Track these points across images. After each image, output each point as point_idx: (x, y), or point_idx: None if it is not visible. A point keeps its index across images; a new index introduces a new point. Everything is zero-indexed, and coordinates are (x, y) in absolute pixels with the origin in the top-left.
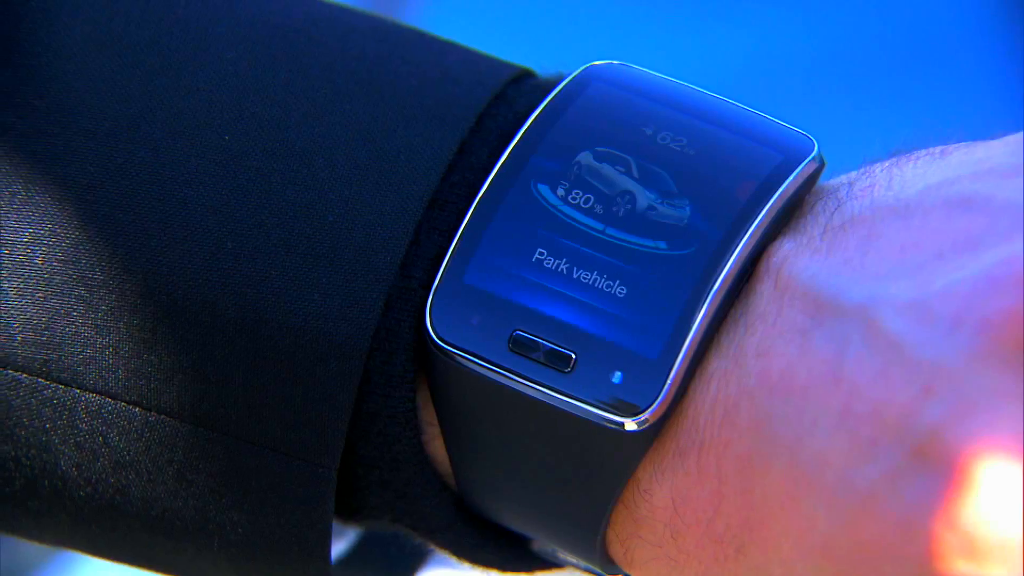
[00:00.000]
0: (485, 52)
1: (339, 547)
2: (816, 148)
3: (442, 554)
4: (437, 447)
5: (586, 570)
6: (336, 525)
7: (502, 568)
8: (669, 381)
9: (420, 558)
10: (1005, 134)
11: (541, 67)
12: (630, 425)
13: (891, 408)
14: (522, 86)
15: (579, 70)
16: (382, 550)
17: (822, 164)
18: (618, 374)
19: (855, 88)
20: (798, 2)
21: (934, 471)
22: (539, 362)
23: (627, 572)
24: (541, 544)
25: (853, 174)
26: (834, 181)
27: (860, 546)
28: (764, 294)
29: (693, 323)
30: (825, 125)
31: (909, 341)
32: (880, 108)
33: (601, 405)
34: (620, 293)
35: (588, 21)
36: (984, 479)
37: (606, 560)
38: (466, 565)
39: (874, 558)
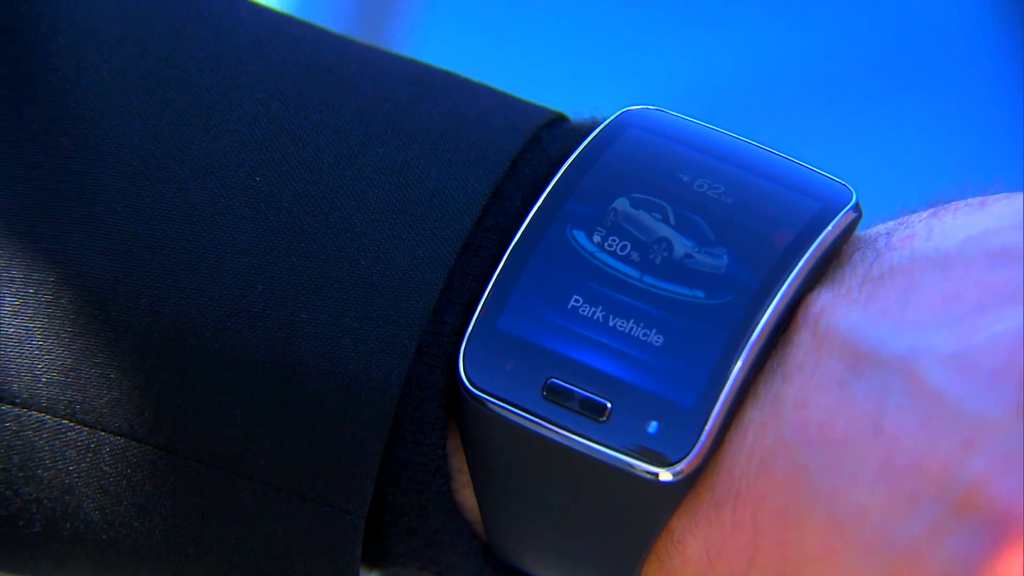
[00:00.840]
0: (519, 96)
1: None
2: (855, 198)
3: None
4: (467, 495)
5: None
6: (363, 573)
7: None
8: (706, 432)
9: None
10: (1005, 134)
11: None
12: (665, 476)
13: (933, 461)
14: (556, 130)
15: (614, 115)
16: None
17: (860, 214)
18: (654, 424)
19: (855, 89)
20: (800, 6)
21: (976, 526)
22: (573, 411)
23: None
24: None
25: (891, 224)
26: (872, 231)
27: None
28: (802, 345)
29: (730, 373)
30: (827, 128)
31: (951, 394)
32: (880, 110)
33: (636, 455)
34: (656, 342)
35: (581, 27)
36: None
37: None
38: None
39: None
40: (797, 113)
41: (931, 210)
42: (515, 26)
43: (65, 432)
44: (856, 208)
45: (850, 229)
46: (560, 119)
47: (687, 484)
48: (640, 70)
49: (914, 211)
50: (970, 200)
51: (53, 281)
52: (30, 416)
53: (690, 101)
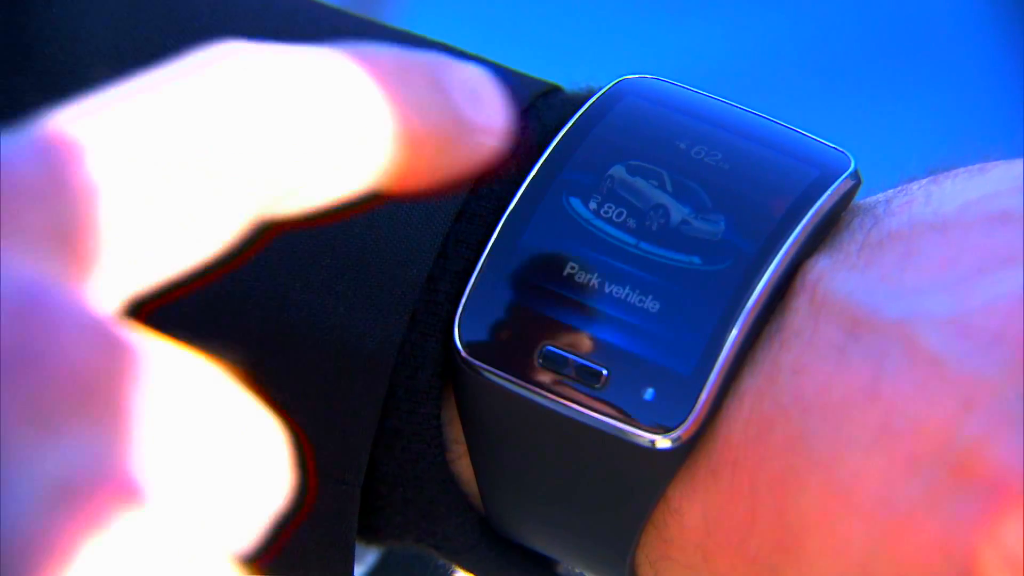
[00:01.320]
0: (513, 68)
1: (359, 569)
2: (853, 164)
3: None
4: (463, 466)
5: None
6: (358, 547)
7: None
8: (702, 398)
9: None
10: (1004, 134)
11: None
12: (662, 443)
13: (931, 424)
14: (551, 100)
15: (610, 84)
16: (404, 571)
17: (859, 181)
18: (650, 391)
19: (855, 86)
20: (800, 1)
21: (975, 487)
22: (569, 377)
23: None
24: (567, 568)
25: (890, 192)
26: (871, 199)
27: (899, 565)
28: (799, 311)
29: (727, 339)
30: (827, 122)
31: (949, 356)
32: (880, 106)
33: (632, 422)
34: (653, 308)
35: (574, 17)
36: None
37: None
38: None
39: None
40: (795, 101)
41: (930, 177)
42: (509, 7)
43: None
44: (854, 175)
45: (848, 196)
46: (556, 89)
47: (684, 451)
48: (638, 56)
49: (913, 178)
50: (969, 167)
51: None
52: None
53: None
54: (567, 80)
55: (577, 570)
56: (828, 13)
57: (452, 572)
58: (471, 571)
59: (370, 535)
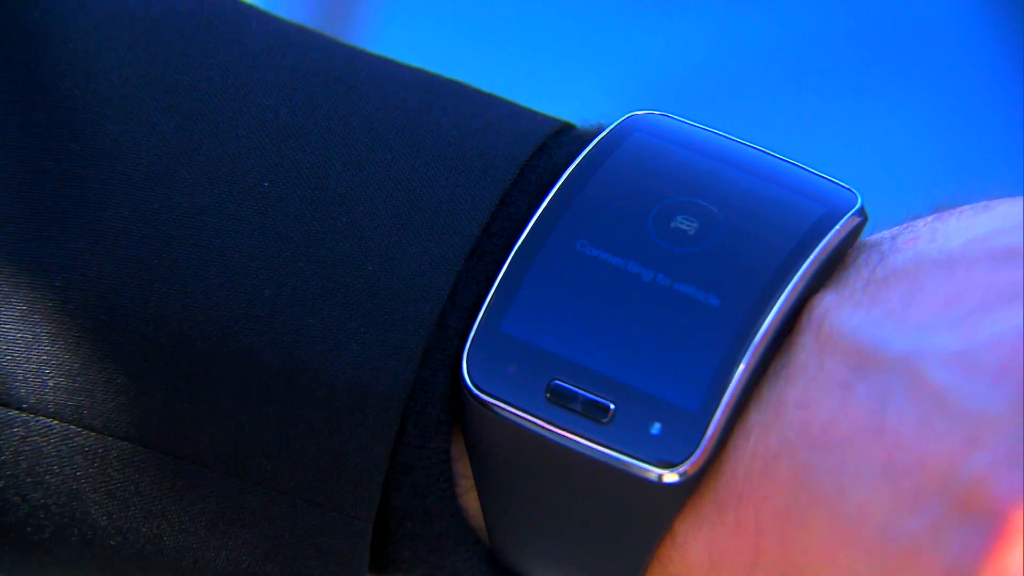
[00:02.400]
0: (527, 106)
1: None
2: (859, 202)
3: None
4: (470, 500)
5: None
6: None
7: None
8: (708, 433)
9: None
10: (1003, 135)
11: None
12: (668, 477)
13: (935, 459)
14: (563, 138)
15: (618, 121)
16: None
17: (865, 218)
18: (657, 425)
19: (855, 86)
20: (798, 2)
21: (979, 522)
22: (576, 412)
23: None
24: None
25: (896, 229)
26: (876, 236)
27: None
28: (805, 347)
29: (733, 375)
30: (825, 126)
31: (954, 392)
32: (880, 107)
33: (639, 457)
34: (659, 343)
35: (565, 20)
36: None
37: None
38: None
39: None
40: (793, 113)
41: (935, 214)
42: (498, 21)
43: (72, 437)
44: (861, 212)
45: (855, 233)
46: (568, 127)
47: (690, 486)
48: (631, 68)
49: (918, 216)
50: (974, 204)
51: (60, 286)
52: (37, 421)
53: (688, 106)
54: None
55: None
56: (829, 14)
57: None
58: None
59: (379, 568)
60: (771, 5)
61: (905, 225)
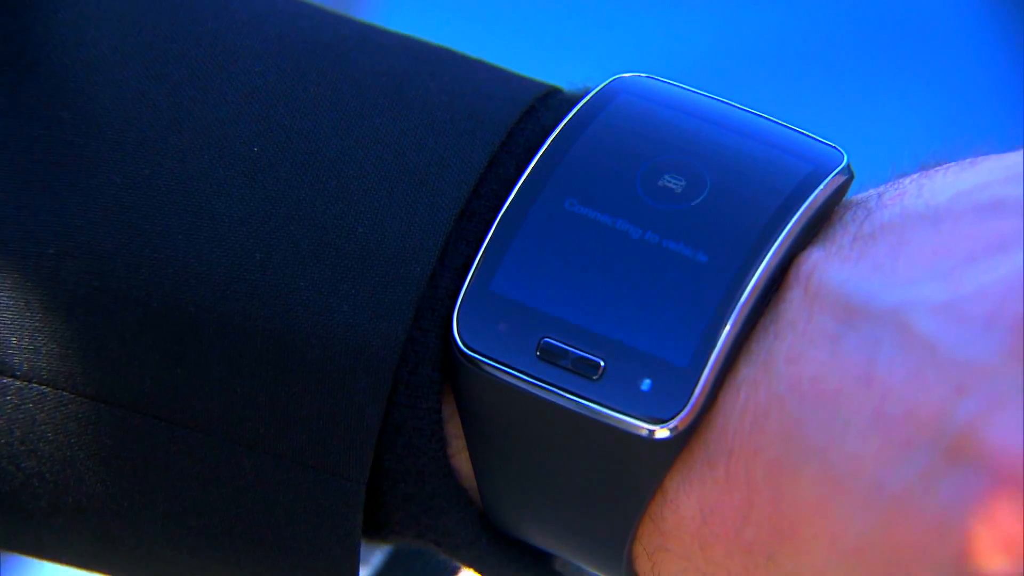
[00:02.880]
0: (515, 72)
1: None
2: (845, 159)
3: (467, 573)
4: (463, 461)
5: None
6: (363, 548)
7: None
8: (698, 389)
9: None
10: (1003, 134)
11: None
12: (658, 433)
13: (925, 408)
14: (550, 101)
15: (605, 82)
16: (407, 569)
17: (851, 176)
18: (647, 381)
19: (855, 85)
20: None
21: (969, 468)
22: (567, 369)
23: None
24: (565, 563)
25: (882, 187)
26: (864, 194)
27: (895, 548)
28: (794, 301)
29: (722, 330)
30: (828, 121)
31: (942, 342)
32: (880, 106)
33: (629, 413)
34: (649, 300)
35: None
36: (1018, 474)
37: None
38: None
39: (909, 560)
40: (795, 100)
41: (922, 171)
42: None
43: (66, 404)
44: (847, 170)
45: (841, 190)
46: (555, 91)
47: (680, 442)
48: (635, 53)
49: (905, 174)
50: (960, 161)
51: (53, 253)
52: (31, 388)
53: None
54: (562, 76)
55: (576, 564)
56: (828, 10)
57: (455, 568)
58: (471, 566)
59: (372, 531)
60: (776, 4)
61: (892, 183)
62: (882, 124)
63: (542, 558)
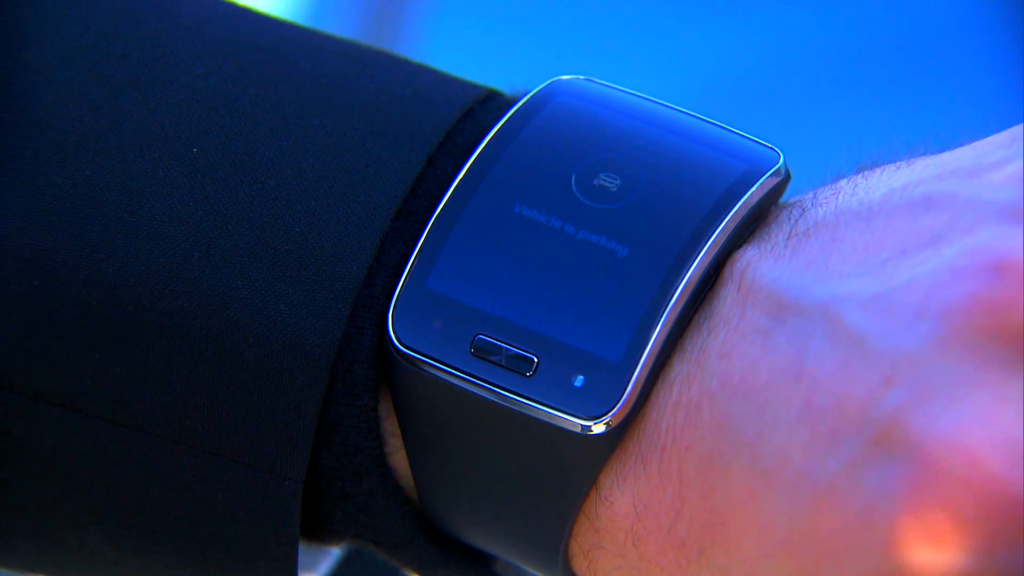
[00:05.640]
0: (455, 75)
1: None
2: (781, 160)
3: None
4: (400, 459)
5: None
6: (313, 550)
7: None
8: (631, 384)
9: None
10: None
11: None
12: (591, 428)
13: (852, 400)
14: (489, 104)
15: (543, 84)
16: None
17: (787, 176)
18: (580, 377)
19: (855, 85)
20: (795, 3)
21: (894, 458)
22: (501, 366)
23: None
24: (507, 565)
25: (819, 188)
26: (799, 196)
27: (821, 540)
28: (727, 299)
29: (655, 327)
30: (827, 123)
31: (871, 333)
32: (880, 106)
33: (562, 409)
34: (582, 297)
35: (594, 31)
36: (943, 463)
37: (569, 575)
38: None
39: (836, 551)
40: (795, 103)
41: (860, 172)
42: (521, 26)
43: (5, 403)
44: (783, 170)
45: (777, 191)
46: (495, 94)
47: (613, 438)
48: (644, 68)
49: (842, 176)
50: (897, 161)
51: None
52: None
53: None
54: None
55: (515, 564)
56: (828, 14)
57: None
58: (410, 566)
59: (311, 531)
60: (785, 11)
61: (829, 184)
62: (881, 128)
63: (482, 560)
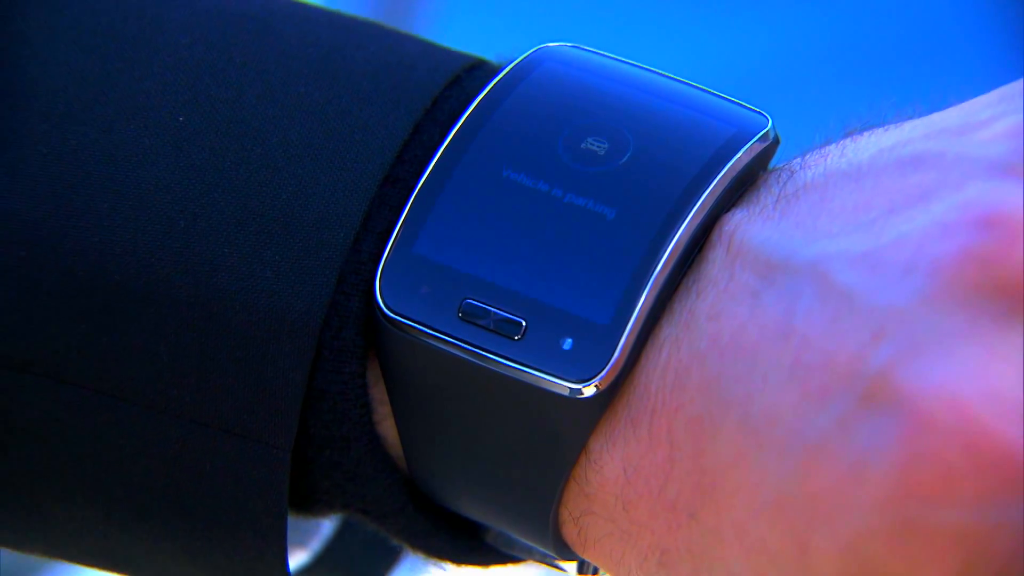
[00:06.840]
0: (442, 44)
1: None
2: (770, 124)
3: (413, 559)
4: (388, 427)
5: (540, 559)
6: (303, 529)
7: (455, 560)
8: (620, 347)
9: (389, 563)
10: None
11: None
12: (580, 391)
13: (842, 356)
14: (476, 72)
15: (529, 51)
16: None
17: (776, 140)
18: (568, 340)
19: (855, 85)
20: (794, 1)
21: (884, 413)
22: (488, 330)
23: (581, 555)
24: (495, 534)
25: (808, 153)
26: (788, 161)
27: (812, 497)
28: (716, 260)
29: (643, 289)
30: (826, 120)
31: (860, 290)
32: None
33: (550, 372)
34: (571, 260)
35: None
36: (934, 417)
37: (559, 542)
38: (423, 557)
39: (826, 508)
40: (796, 100)
41: (848, 135)
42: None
43: None
44: (772, 134)
45: (766, 154)
46: (482, 63)
47: (603, 401)
48: (644, 62)
49: (830, 141)
50: (885, 125)
51: None
52: None
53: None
54: None
55: (505, 533)
56: (828, 13)
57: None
58: (399, 536)
59: (301, 500)
60: (777, 6)
61: (817, 148)
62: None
63: (473, 529)
